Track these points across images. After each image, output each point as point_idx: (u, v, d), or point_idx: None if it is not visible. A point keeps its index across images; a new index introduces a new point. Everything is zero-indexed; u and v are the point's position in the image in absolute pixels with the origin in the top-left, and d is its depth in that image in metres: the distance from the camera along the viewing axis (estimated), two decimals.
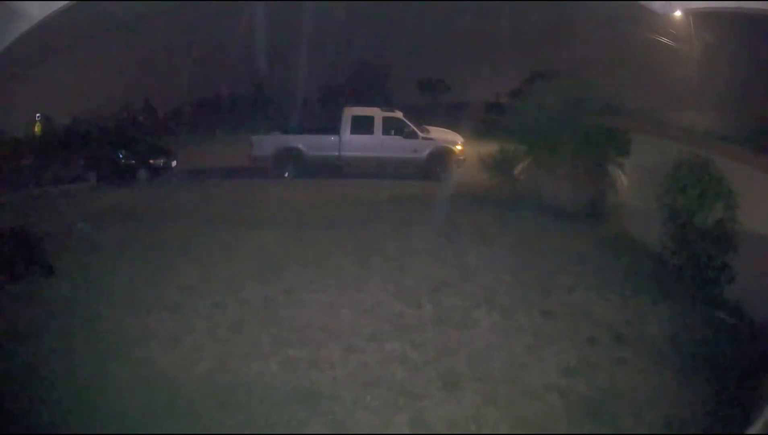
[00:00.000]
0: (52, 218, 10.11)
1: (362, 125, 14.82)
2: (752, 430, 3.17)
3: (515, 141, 12.24)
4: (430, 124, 15.73)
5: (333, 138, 14.89)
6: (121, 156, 14.90)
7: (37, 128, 16.59)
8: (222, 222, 10.05)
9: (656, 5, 9.86)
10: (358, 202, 12.07)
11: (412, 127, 14.84)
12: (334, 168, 14.82)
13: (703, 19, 9.66)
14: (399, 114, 15.07)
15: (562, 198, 10.81)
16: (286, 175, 14.69)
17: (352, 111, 15.11)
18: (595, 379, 5.12)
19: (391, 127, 14.81)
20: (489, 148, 13.17)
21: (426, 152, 14.75)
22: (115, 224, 10.07)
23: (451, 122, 16.69)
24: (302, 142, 14.91)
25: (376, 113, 14.98)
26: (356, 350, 5.62)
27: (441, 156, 14.76)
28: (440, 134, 15.23)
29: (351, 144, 14.79)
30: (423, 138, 14.84)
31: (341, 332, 5.98)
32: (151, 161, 15.15)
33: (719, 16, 9.21)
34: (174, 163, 15.54)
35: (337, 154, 14.83)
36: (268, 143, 14.99)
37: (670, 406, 4.75)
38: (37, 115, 16.65)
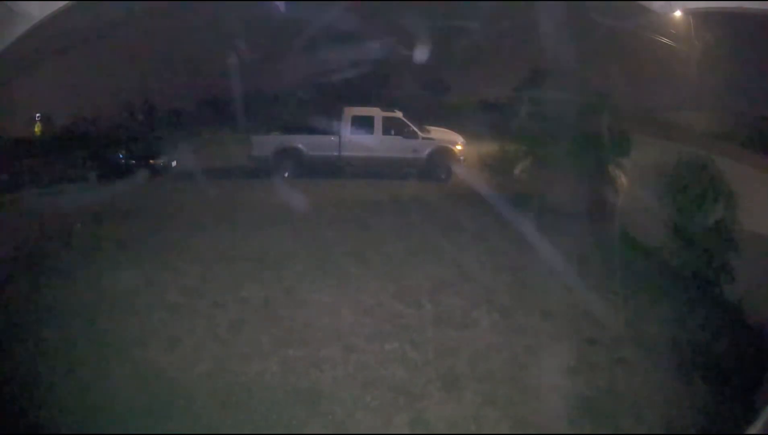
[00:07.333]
0: (51, 218, 10.10)
1: (362, 125, 14.81)
2: (752, 430, 3.17)
3: (515, 141, 12.23)
4: (430, 124, 15.72)
5: (333, 138, 14.87)
6: (121, 156, 14.87)
7: (36, 128, 16.52)
8: (222, 221, 10.04)
9: (656, 5, 9.85)
10: (357, 201, 12.05)
11: (412, 127, 14.83)
12: (333, 168, 14.81)
13: (703, 19, 9.64)
14: (399, 114, 15.05)
15: (562, 198, 10.78)
16: (286, 175, 14.67)
17: (351, 111, 15.10)
18: (595, 379, 5.12)
19: (391, 127, 14.80)
20: (489, 148, 13.15)
21: (426, 152, 14.73)
22: (114, 224, 10.05)
23: (451, 122, 16.63)
24: (302, 142, 14.90)
25: (376, 113, 14.97)
26: (356, 350, 5.62)
27: (441, 156, 14.74)
28: (440, 134, 15.21)
29: (351, 144, 14.77)
30: (423, 138, 14.82)
31: (341, 332, 5.98)
32: (152, 161, 15.13)
33: (719, 16, 9.20)
34: (174, 163, 15.51)
35: (336, 154, 14.81)
36: (267, 143, 14.97)
37: (670, 406, 4.75)
38: (37, 115, 16.57)
